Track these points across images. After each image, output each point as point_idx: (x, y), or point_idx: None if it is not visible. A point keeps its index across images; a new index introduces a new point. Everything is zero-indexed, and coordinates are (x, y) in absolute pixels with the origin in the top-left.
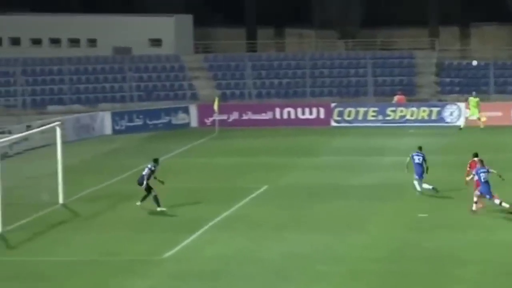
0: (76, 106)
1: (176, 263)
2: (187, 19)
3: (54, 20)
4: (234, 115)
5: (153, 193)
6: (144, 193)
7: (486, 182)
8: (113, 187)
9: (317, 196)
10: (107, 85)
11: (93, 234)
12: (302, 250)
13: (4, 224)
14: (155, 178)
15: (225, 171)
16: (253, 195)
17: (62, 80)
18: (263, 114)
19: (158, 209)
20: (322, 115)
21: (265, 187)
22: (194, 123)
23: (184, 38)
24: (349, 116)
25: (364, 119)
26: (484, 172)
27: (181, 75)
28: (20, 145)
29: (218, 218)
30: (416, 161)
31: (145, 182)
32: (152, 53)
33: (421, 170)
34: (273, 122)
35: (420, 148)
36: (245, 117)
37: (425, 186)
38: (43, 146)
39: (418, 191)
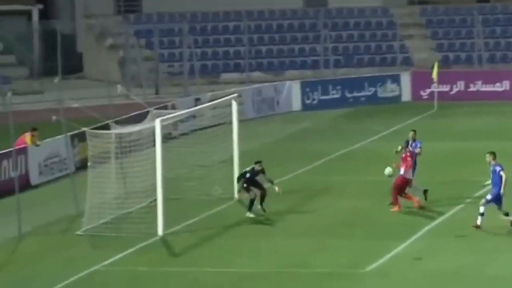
0: (256, 74)
1: (381, 278)
2: None
3: None
4: (459, 86)
5: (251, 196)
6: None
7: None
8: (301, 178)
9: None
10: (296, 47)
11: (276, 240)
12: None
13: (166, 225)
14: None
15: (445, 159)
16: (481, 192)
17: (239, 40)
18: (497, 85)
19: (248, 214)
20: None
21: None
22: (406, 96)
23: None
24: None
25: None
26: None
27: (390, 34)
28: (187, 124)
29: (436, 222)
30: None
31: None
32: (354, 5)
33: None
34: (510, 95)
35: None
36: (472, 88)
37: None
38: (215, 125)
39: None
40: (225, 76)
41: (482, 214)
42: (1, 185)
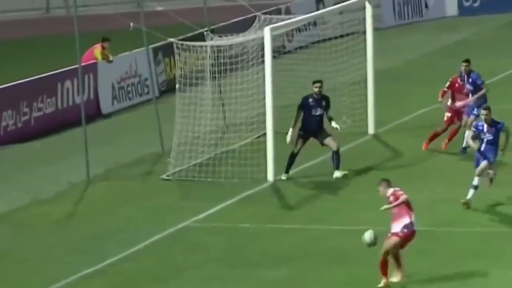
0: None
1: None
2: None
3: None
4: None
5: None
6: None
7: None
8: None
9: None
10: None
11: (424, 189)
12: None
13: (278, 169)
14: None
15: None
16: None
17: None
18: None
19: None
20: None
21: None
22: None
23: None
24: None
25: None
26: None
27: None
28: (305, 34)
29: None
30: None
31: None
32: None
33: None
34: None
35: None
36: None
37: None
38: (342, 35)
39: None
40: None
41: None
42: (63, 113)
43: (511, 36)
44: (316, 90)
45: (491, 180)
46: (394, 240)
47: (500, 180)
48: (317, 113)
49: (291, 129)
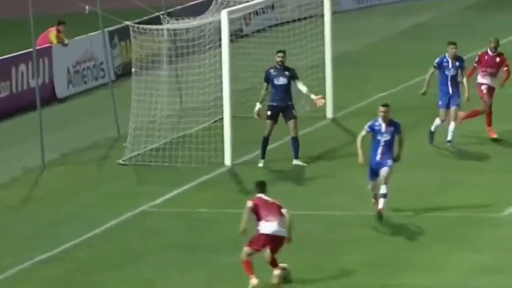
0: None
1: None
2: None
3: None
4: None
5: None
6: None
7: None
8: (417, 91)
9: None
10: None
11: None
12: None
13: (235, 153)
14: None
15: None
16: None
17: None
18: None
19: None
20: None
21: None
22: None
23: None
24: None
25: None
26: None
27: None
28: (263, 17)
29: None
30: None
31: None
32: None
33: None
34: None
35: None
36: None
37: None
38: (300, 19)
39: None
40: None
41: None
42: (18, 97)
43: (470, 20)
44: (278, 59)
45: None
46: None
47: (460, 165)
48: (280, 83)
49: (257, 104)
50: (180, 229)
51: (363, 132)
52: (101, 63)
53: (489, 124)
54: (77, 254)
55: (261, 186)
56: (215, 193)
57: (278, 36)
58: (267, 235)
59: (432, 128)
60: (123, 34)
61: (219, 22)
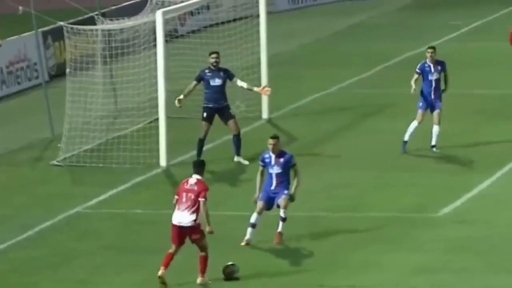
0: None
1: (458, 224)
2: None
3: None
4: None
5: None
6: None
7: None
8: (351, 91)
9: None
10: None
11: (322, 174)
12: None
13: (170, 154)
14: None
15: None
16: None
17: None
18: None
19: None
20: None
21: None
22: None
23: None
24: None
25: None
26: None
27: None
28: (198, 18)
29: None
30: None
31: None
32: None
33: None
34: None
35: None
36: None
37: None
38: (236, 19)
39: None
40: None
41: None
42: None
43: (405, 20)
44: (212, 61)
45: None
46: None
47: (396, 165)
48: (215, 83)
49: (181, 95)
50: (115, 230)
51: (260, 168)
52: (35, 63)
53: None
54: (12, 255)
55: (196, 166)
56: (150, 194)
57: (213, 37)
58: (173, 225)
59: (406, 138)
60: (57, 34)
61: (154, 22)
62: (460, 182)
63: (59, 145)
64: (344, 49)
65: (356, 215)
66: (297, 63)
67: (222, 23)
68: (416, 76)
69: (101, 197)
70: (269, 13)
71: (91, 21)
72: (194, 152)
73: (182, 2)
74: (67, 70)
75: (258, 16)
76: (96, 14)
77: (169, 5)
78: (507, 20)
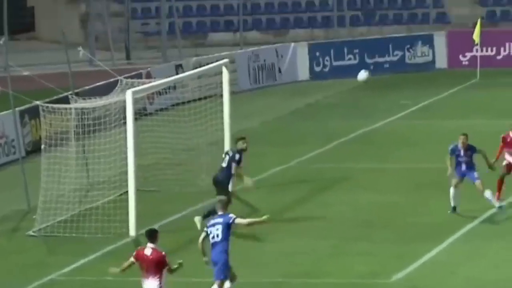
0: (253, 35)
1: None
2: None
3: None
4: (507, 49)
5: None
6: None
7: None
8: (309, 166)
9: None
10: (303, 0)
11: (281, 243)
12: None
13: (139, 224)
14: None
15: (491, 141)
16: None
17: None
18: None
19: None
20: None
21: None
22: (441, 62)
23: None
24: None
25: None
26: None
27: None
28: (165, 97)
29: (477, 222)
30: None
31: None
32: None
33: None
34: None
35: None
36: None
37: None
38: (201, 98)
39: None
40: (214, 36)
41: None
42: None
43: (357, 99)
44: (243, 145)
45: None
46: None
47: (351, 235)
48: (224, 165)
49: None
50: None
51: (203, 234)
52: (12, 140)
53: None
54: None
55: (149, 235)
56: (120, 262)
57: (180, 115)
58: None
59: (453, 203)
60: (33, 113)
61: (124, 101)
62: (411, 250)
63: (34, 216)
64: (302, 126)
65: (313, 281)
66: (258, 140)
67: (188, 101)
68: (449, 157)
69: (74, 265)
70: (232, 92)
71: (65, 100)
72: (162, 223)
73: (150, 82)
74: (42, 146)
75: (221, 95)
76: (70, 94)
77: (138, 85)
78: (452, 100)
